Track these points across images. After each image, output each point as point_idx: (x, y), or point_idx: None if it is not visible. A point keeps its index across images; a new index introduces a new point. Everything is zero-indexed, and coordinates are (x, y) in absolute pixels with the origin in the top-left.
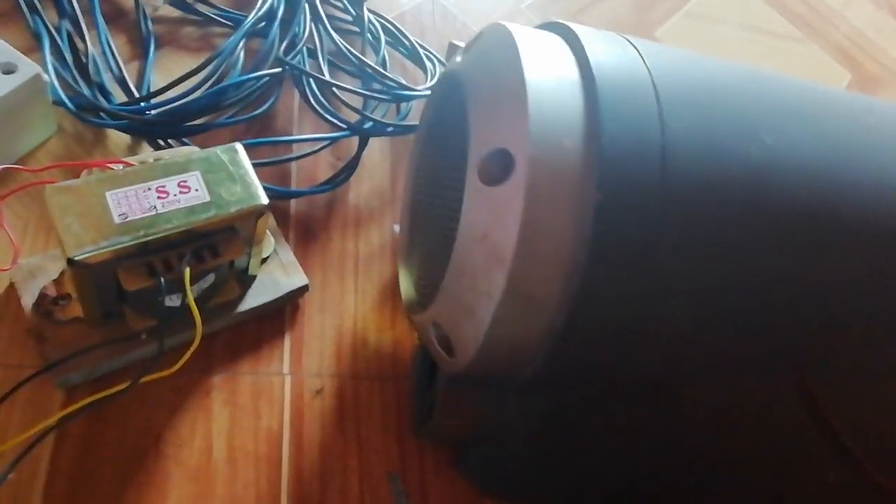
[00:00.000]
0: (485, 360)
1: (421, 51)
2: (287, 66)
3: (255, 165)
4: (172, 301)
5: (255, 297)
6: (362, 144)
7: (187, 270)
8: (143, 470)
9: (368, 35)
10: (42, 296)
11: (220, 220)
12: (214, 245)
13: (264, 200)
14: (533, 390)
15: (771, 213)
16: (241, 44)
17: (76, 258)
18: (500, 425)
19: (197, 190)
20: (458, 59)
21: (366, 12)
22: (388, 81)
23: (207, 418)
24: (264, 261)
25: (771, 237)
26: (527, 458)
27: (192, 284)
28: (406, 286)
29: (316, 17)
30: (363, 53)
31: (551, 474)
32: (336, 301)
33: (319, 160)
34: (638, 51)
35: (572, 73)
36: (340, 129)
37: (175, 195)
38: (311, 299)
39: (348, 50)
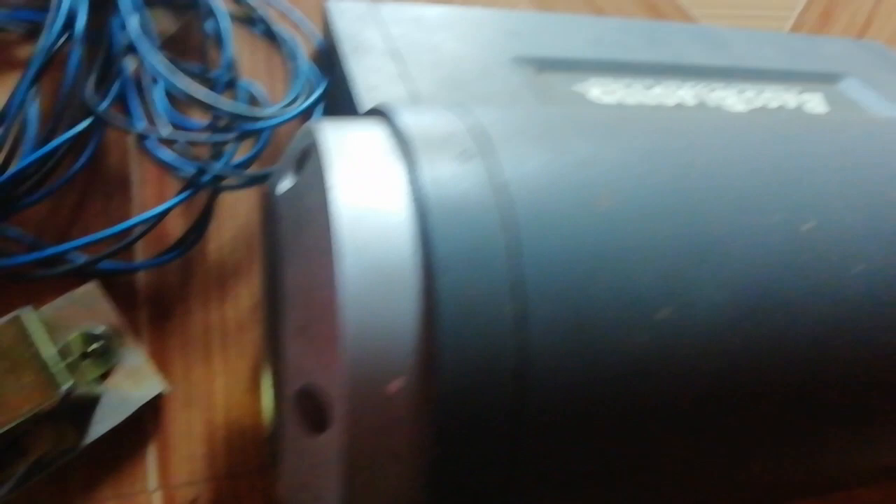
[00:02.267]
0: None
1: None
2: (99, 119)
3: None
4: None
5: (101, 425)
6: (211, 198)
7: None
8: None
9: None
10: None
11: (8, 430)
12: (12, 446)
13: (68, 385)
14: None
15: (660, 414)
16: (31, 96)
17: None
18: None
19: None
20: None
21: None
22: (221, 109)
23: None
24: (106, 374)
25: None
26: None
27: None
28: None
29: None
30: (204, 55)
31: None
32: (203, 391)
33: (172, 226)
34: (506, 176)
35: (405, 244)
36: (189, 188)
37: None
38: (175, 395)
39: (175, 75)
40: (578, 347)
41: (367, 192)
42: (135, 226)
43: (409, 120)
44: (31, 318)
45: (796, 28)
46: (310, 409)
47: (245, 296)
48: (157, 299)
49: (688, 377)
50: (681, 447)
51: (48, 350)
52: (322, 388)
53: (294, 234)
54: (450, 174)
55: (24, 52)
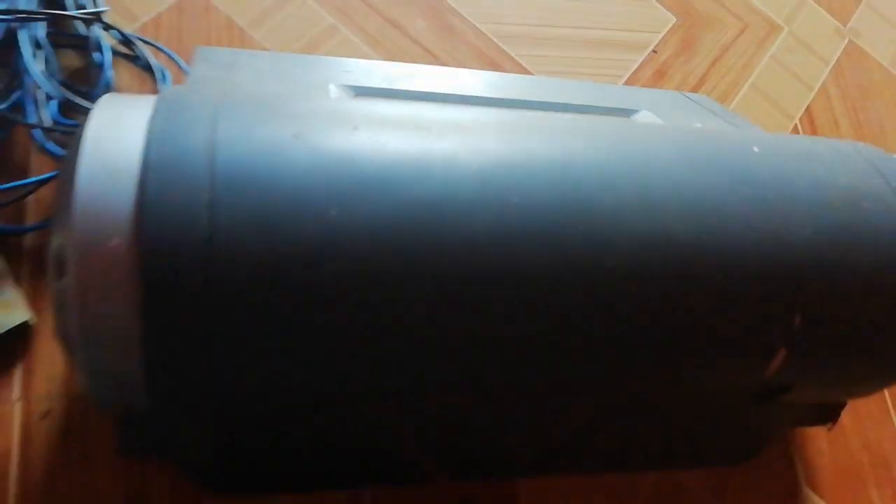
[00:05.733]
0: (101, 396)
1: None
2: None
3: None
4: None
5: None
6: None
7: None
8: None
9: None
10: None
11: None
12: None
13: None
14: (180, 414)
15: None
16: None
17: None
18: (177, 437)
19: None
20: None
21: (98, 31)
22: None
23: None
24: None
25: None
26: (216, 455)
27: None
28: None
29: (41, 48)
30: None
31: (248, 462)
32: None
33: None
34: (217, 121)
35: (133, 161)
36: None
37: None
38: (43, 329)
39: (63, 91)
40: (260, 230)
41: (116, 125)
42: (22, 186)
43: (168, 90)
44: None
45: (629, 83)
46: (59, 263)
47: None
48: (39, 257)
49: (350, 269)
50: (349, 331)
51: None
52: (64, 246)
53: (71, 156)
54: (174, 117)
55: None
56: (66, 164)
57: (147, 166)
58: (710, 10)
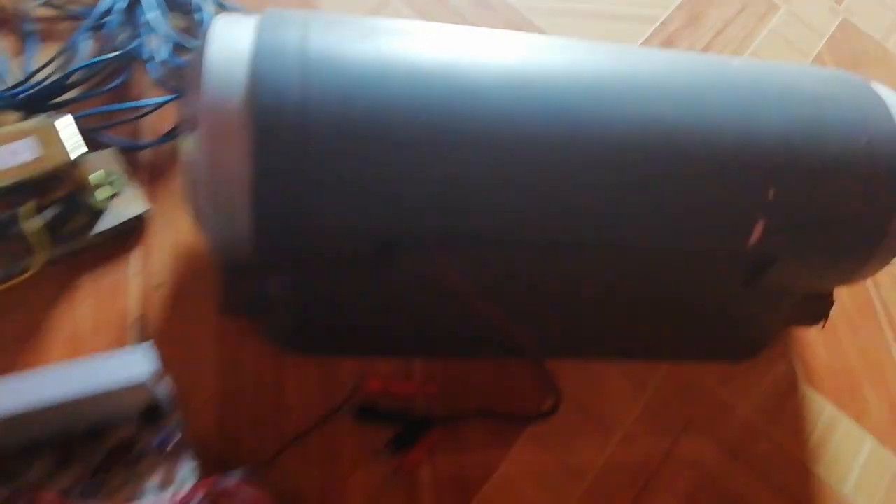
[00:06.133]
0: (219, 250)
1: None
2: (122, 51)
3: (106, 128)
4: (24, 228)
5: (103, 224)
6: None
7: (30, 205)
8: (22, 337)
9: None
10: None
11: (43, 172)
12: (50, 187)
13: (71, 157)
14: (274, 270)
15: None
16: (85, 36)
17: None
18: (269, 294)
19: (31, 149)
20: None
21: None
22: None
23: (73, 304)
24: (113, 197)
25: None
26: (299, 325)
27: (36, 216)
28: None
29: (158, 8)
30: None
31: (327, 333)
32: (177, 220)
33: (166, 117)
34: (310, 29)
35: (247, 47)
36: (172, 94)
37: (13, 154)
38: (158, 222)
39: (177, 35)
40: (339, 96)
41: (233, 25)
42: (138, 109)
43: (270, 11)
44: (69, 118)
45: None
46: (190, 125)
47: None
48: (153, 167)
49: (407, 123)
50: (407, 171)
51: (73, 137)
52: (195, 110)
53: (198, 51)
54: (276, 20)
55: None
56: (194, 56)
57: (257, 49)
58: None
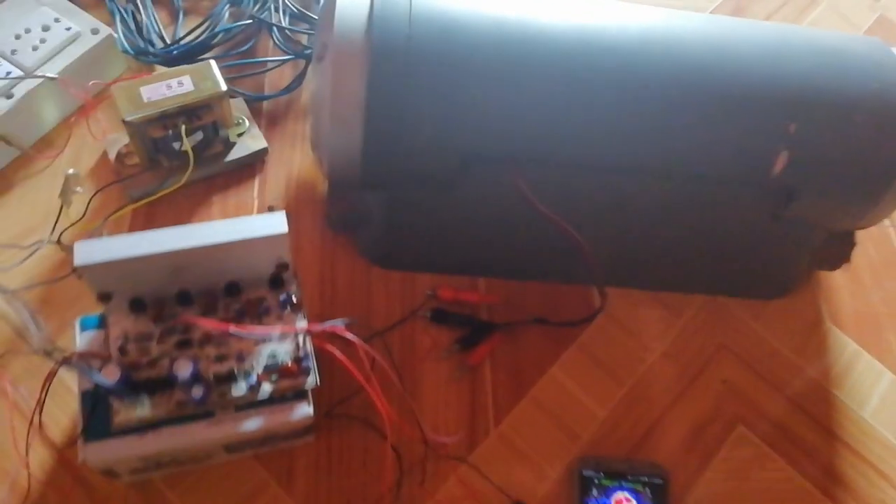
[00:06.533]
0: (333, 168)
1: None
2: (254, 19)
3: (236, 78)
4: (178, 146)
5: (234, 154)
6: (306, 65)
7: (183, 126)
8: None
9: None
10: (119, 153)
11: (199, 100)
12: (199, 114)
13: (223, 88)
14: (373, 187)
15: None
16: (226, 7)
17: (125, 119)
18: (365, 214)
19: (188, 84)
20: None
21: None
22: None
23: (205, 217)
24: (241, 135)
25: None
26: (387, 238)
27: (188, 136)
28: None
29: None
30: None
31: (409, 250)
32: (288, 158)
33: (283, 76)
34: None
35: (366, 4)
36: (289, 55)
37: (175, 87)
38: (274, 158)
39: (296, 7)
40: (438, 34)
41: None
42: (265, 62)
43: None
44: (214, 63)
45: None
46: (320, 56)
47: None
48: (273, 115)
49: (499, 52)
50: (496, 97)
51: (219, 77)
52: (326, 42)
53: (329, 10)
54: None
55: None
56: (326, 5)
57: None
58: None
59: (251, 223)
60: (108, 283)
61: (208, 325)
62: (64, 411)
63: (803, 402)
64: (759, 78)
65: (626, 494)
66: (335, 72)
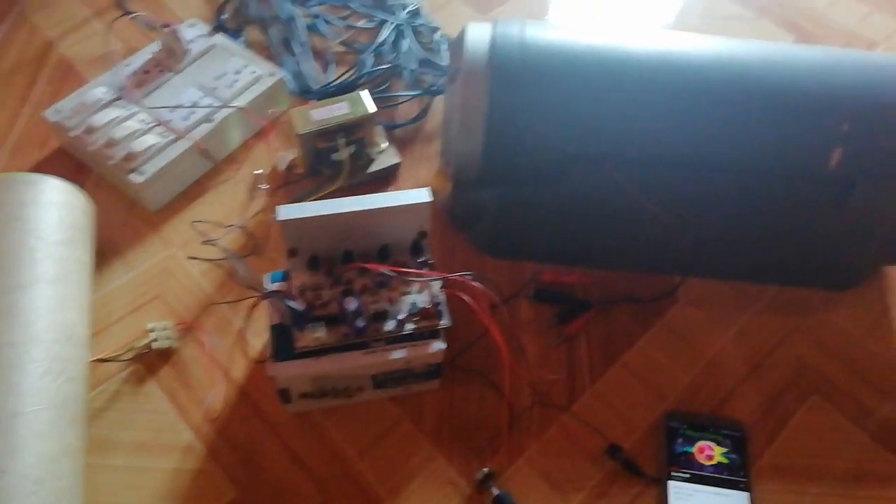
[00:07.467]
0: (458, 168)
1: None
2: (391, 64)
3: (380, 107)
4: (337, 156)
5: (374, 167)
6: (431, 100)
7: (342, 140)
8: None
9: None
10: (288, 165)
11: (353, 119)
12: (353, 131)
13: (372, 110)
14: (489, 184)
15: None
16: (370, 57)
17: (299, 133)
18: (480, 212)
19: (345, 108)
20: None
21: (436, 35)
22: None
23: None
24: (380, 153)
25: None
26: (497, 230)
27: (345, 147)
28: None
29: (409, 37)
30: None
31: (515, 240)
32: (416, 173)
33: (412, 109)
34: (525, 24)
35: (488, 34)
36: (417, 91)
37: (336, 111)
38: (404, 172)
39: (423, 51)
40: (543, 56)
41: (479, 26)
42: (396, 98)
43: (502, 20)
44: (366, 92)
45: None
46: (452, 79)
47: (437, 144)
48: (404, 139)
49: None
50: (603, 105)
51: (370, 102)
52: (458, 67)
53: (458, 39)
54: (504, 21)
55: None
56: (455, 41)
57: (494, 33)
58: (817, 32)
59: (404, 194)
60: (297, 238)
61: (385, 269)
62: (258, 341)
63: (874, 377)
64: (816, 89)
65: (709, 443)
66: (464, 90)
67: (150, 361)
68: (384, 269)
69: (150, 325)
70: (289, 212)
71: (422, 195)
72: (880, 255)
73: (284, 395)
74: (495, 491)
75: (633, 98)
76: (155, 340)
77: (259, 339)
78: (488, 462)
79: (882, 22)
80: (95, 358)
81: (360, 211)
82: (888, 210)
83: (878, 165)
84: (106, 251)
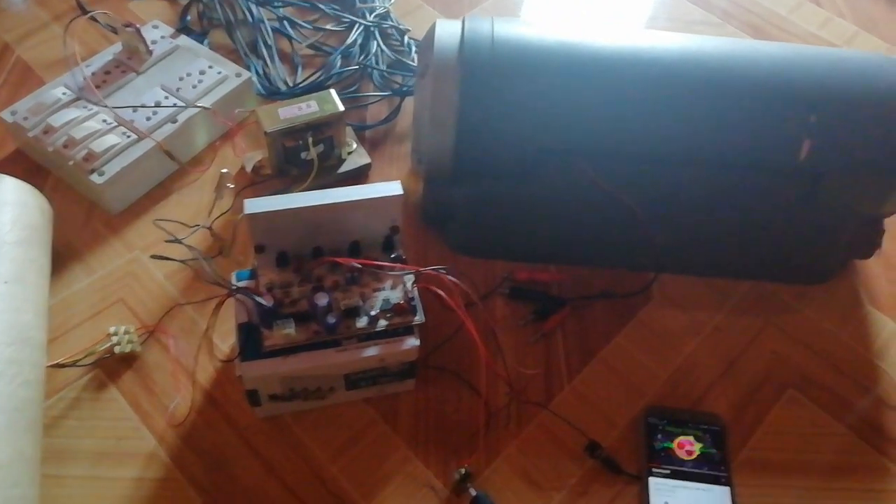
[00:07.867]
0: (430, 164)
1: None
2: (360, 65)
3: (349, 108)
4: (305, 155)
5: (344, 167)
6: (401, 101)
7: (310, 139)
8: None
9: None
10: (254, 166)
11: (321, 118)
12: (322, 130)
13: (341, 108)
14: (461, 180)
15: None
16: (338, 57)
17: (267, 131)
18: (452, 210)
19: (314, 107)
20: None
21: (406, 38)
22: (411, 67)
23: None
24: (350, 153)
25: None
26: (470, 228)
27: (313, 147)
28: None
29: (378, 39)
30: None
31: (489, 239)
32: (387, 173)
33: (382, 109)
34: (495, 21)
35: (458, 30)
36: (387, 92)
37: (304, 109)
38: (375, 172)
39: (393, 53)
40: (512, 52)
41: (448, 21)
42: (365, 98)
43: (471, 17)
44: (333, 91)
45: None
46: (422, 73)
47: (407, 145)
48: (374, 140)
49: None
50: (562, 100)
51: (338, 101)
52: (428, 63)
53: (429, 34)
54: (474, 18)
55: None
56: (425, 37)
57: (464, 29)
58: (780, 37)
59: (375, 187)
60: (265, 234)
61: (356, 262)
62: (225, 343)
63: (848, 369)
64: (783, 82)
65: (689, 438)
66: (434, 85)
67: (112, 367)
68: (355, 263)
69: (111, 329)
70: (256, 205)
71: (393, 188)
72: (850, 249)
73: (253, 397)
74: (473, 491)
75: (603, 93)
76: (117, 344)
77: (226, 342)
78: (466, 462)
79: (842, 27)
80: (53, 363)
81: (330, 204)
82: (857, 204)
83: (846, 157)
84: (65, 255)
